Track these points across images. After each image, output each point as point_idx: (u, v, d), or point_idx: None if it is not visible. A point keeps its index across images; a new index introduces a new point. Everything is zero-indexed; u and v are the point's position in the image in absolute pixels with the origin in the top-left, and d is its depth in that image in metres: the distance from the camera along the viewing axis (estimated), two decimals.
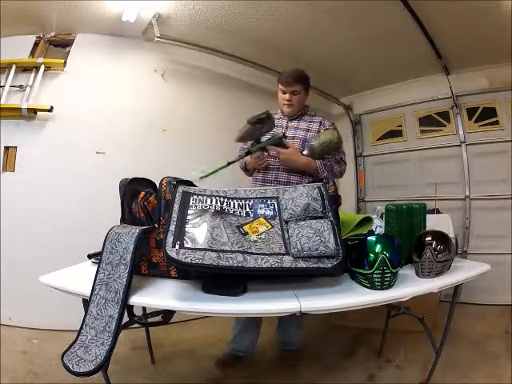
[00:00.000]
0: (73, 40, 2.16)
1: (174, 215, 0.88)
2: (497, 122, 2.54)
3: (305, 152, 1.48)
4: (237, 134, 1.45)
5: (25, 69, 2.06)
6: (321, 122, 1.59)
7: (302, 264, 0.82)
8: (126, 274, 0.82)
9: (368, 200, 3.21)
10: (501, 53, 2.30)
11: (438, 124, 2.79)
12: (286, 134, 1.53)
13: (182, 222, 0.86)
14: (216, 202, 0.94)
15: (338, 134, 1.51)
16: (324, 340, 1.94)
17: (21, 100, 1.99)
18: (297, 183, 1.47)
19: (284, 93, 1.55)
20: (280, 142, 1.47)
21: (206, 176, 1.42)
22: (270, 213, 0.96)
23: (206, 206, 0.92)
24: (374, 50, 2.43)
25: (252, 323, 1.63)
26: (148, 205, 1.02)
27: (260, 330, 1.67)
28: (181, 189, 0.96)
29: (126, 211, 1.04)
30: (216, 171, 1.44)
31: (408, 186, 2.92)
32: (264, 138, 1.48)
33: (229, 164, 1.46)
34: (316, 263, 0.83)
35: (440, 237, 1.04)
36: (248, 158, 1.53)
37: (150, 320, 0.94)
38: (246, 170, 1.63)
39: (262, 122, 1.40)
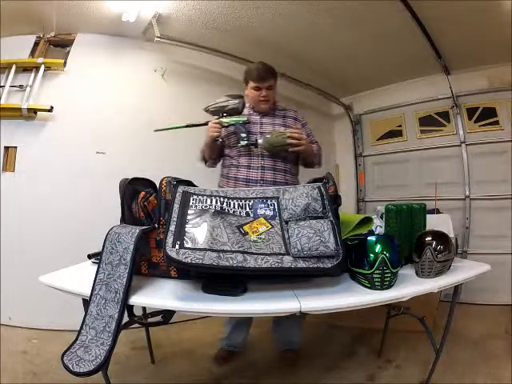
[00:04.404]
0: (73, 40, 2.16)
1: (174, 215, 0.88)
2: (497, 122, 2.54)
3: (260, 141, 1.45)
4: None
5: (25, 69, 2.06)
6: (296, 118, 1.59)
7: (301, 264, 0.82)
8: (126, 274, 0.82)
9: (368, 200, 3.21)
10: (501, 53, 2.30)
11: (438, 124, 2.79)
12: (262, 131, 1.53)
13: (182, 222, 0.86)
14: (216, 202, 0.94)
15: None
16: (324, 340, 1.94)
17: (21, 100, 1.99)
18: (282, 182, 1.47)
19: (259, 89, 1.52)
20: (243, 125, 1.47)
21: (160, 130, 1.56)
22: (270, 213, 0.96)
23: (205, 206, 0.92)
24: (373, 50, 2.43)
25: (244, 320, 1.64)
26: (148, 205, 1.02)
27: (250, 327, 1.70)
28: (181, 189, 0.96)
29: (125, 211, 1.04)
30: (172, 128, 1.56)
31: (408, 186, 2.91)
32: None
33: (187, 126, 1.54)
34: (316, 263, 0.83)
35: (440, 237, 1.04)
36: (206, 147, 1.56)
37: (150, 320, 0.94)
38: (205, 160, 1.63)
39: (235, 98, 1.46)
